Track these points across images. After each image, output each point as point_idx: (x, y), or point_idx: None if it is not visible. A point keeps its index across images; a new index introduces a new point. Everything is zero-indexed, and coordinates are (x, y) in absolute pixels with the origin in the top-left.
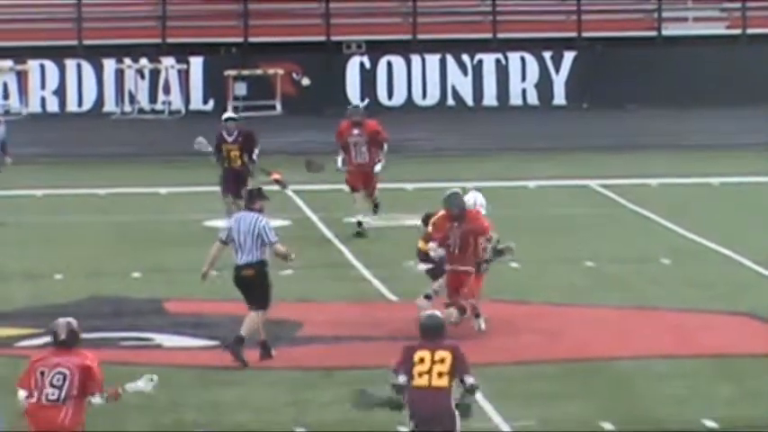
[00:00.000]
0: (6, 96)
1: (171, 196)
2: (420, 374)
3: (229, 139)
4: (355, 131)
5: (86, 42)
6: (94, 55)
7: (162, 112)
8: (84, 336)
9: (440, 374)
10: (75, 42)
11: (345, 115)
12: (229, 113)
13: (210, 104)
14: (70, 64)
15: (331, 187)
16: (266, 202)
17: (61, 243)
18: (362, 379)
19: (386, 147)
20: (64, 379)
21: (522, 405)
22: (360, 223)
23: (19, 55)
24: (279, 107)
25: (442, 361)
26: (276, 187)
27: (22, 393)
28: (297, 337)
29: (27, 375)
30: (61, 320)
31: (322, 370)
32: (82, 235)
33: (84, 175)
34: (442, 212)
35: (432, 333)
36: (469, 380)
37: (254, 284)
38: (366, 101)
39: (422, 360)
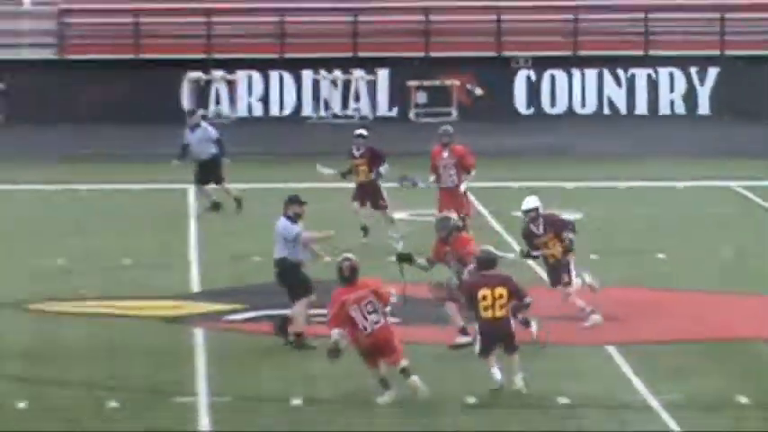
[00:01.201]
0: (218, 102)
1: None
2: (485, 309)
3: (357, 154)
4: (445, 154)
5: (287, 56)
6: (294, 67)
7: (352, 117)
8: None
9: (501, 307)
10: (277, 56)
11: (437, 137)
12: (360, 131)
13: (395, 111)
14: (273, 75)
15: (500, 184)
16: (304, 207)
17: (262, 230)
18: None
19: (473, 172)
20: (373, 305)
21: (667, 380)
22: None
23: (229, 66)
24: (454, 114)
25: (501, 296)
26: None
27: (335, 332)
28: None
29: (336, 318)
30: (345, 262)
31: None
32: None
33: (281, 171)
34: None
35: (487, 265)
36: (527, 300)
37: (282, 280)
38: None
39: (484, 298)
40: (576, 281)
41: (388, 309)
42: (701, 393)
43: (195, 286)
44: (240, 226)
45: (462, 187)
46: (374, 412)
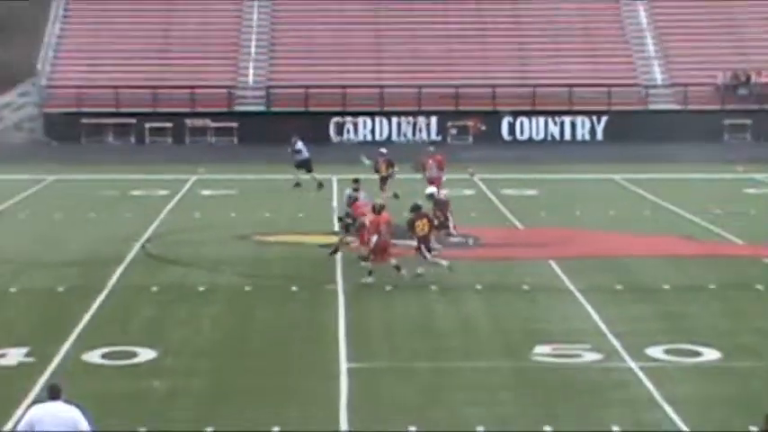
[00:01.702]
0: (348, 132)
1: None
2: (421, 229)
3: (381, 160)
4: (431, 161)
5: (384, 109)
6: (388, 114)
7: (418, 140)
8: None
9: (423, 228)
10: (378, 109)
11: (426, 152)
12: (382, 149)
13: (440, 138)
14: (376, 119)
15: (496, 176)
16: (358, 184)
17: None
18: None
19: (444, 170)
20: (387, 227)
21: (575, 273)
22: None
23: (354, 115)
24: (470, 140)
25: (425, 224)
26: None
27: (374, 238)
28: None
29: (373, 230)
30: (377, 204)
31: None
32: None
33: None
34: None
35: (417, 209)
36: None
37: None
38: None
39: (419, 225)
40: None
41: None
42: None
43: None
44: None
45: (437, 174)
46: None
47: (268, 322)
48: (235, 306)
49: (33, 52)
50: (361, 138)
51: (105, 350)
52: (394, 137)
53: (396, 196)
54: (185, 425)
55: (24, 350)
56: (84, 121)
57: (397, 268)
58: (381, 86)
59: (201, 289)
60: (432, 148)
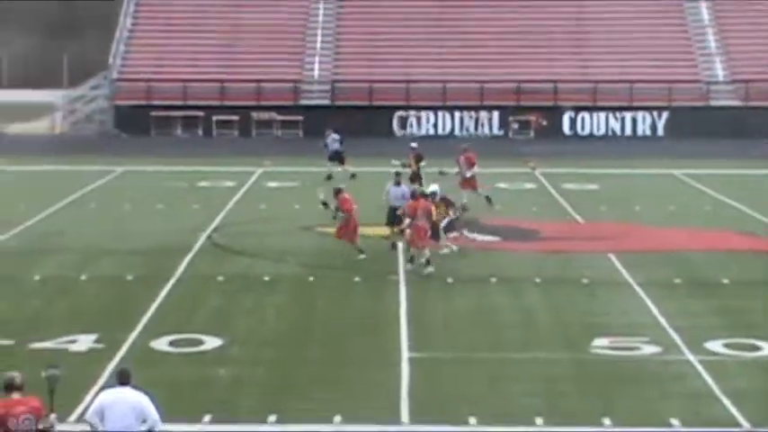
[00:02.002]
0: (411, 126)
1: None
2: (438, 214)
3: (412, 155)
4: (462, 158)
5: (447, 104)
6: (450, 109)
7: (479, 135)
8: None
9: (422, 216)
10: (441, 104)
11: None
12: (413, 144)
13: (502, 132)
14: (439, 113)
15: (555, 170)
16: (399, 177)
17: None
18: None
19: (475, 168)
20: (423, 211)
21: (636, 267)
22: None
23: (417, 109)
24: (532, 135)
25: (425, 214)
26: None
27: (407, 221)
28: None
29: (411, 213)
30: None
31: None
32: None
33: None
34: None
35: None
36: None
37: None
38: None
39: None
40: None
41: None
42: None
43: None
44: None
45: (469, 174)
46: None
47: (331, 312)
48: (298, 296)
49: (105, 46)
50: (423, 132)
51: (172, 338)
52: (456, 131)
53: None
54: (249, 413)
55: (94, 337)
56: (154, 113)
57: (427, 261)
58: (444, 81)
59: (266, 279)
60: (465, 145)
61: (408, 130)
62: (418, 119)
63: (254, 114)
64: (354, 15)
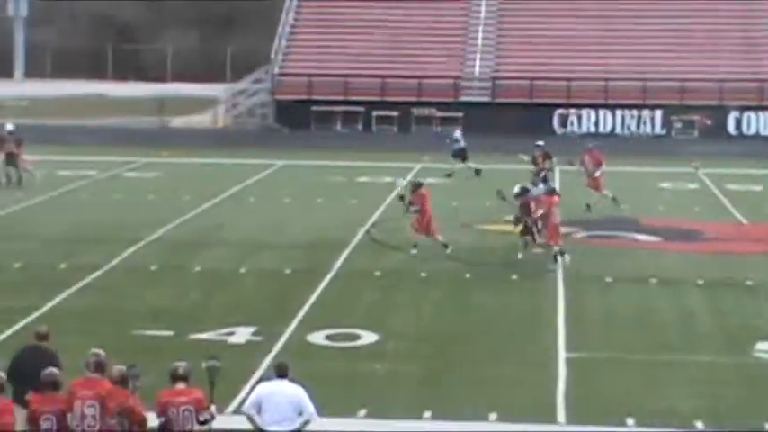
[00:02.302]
0: (572, 125)
1: None
2: (535, 210)
3: (537, 154)
4: (587, 157)
5: (609, 102)
6: (612, 108)
7: (641, 134)
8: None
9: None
10: (603, 102)
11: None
12: (539, 142)
13: (664, 131)
14: (600, 112)
15: (718, 171)
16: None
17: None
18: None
19: (603, 166)
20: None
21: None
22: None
23: (578, 107)
24: (696, 134)
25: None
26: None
27: (540, 212)
28: None
29: (537, 206)
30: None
31: None
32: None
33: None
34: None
35: (521, 194)
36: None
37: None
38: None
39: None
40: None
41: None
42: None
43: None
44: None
45: (597, 173)
46: None
47: (487, 310)
48: (455, 293)
49: (267, 42)
50: (584, 130)
51: (329, 332)
52: (618, 130)
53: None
54: (404, 408)
55: (252, 329)
56: (314, 108)
57: (561, 253)
58: (606, 79)
59: (423, 275)
60: (591, 144)
61: (569, 128)
62: (579, 117)
63: (414, 110)
64: (516, 12)
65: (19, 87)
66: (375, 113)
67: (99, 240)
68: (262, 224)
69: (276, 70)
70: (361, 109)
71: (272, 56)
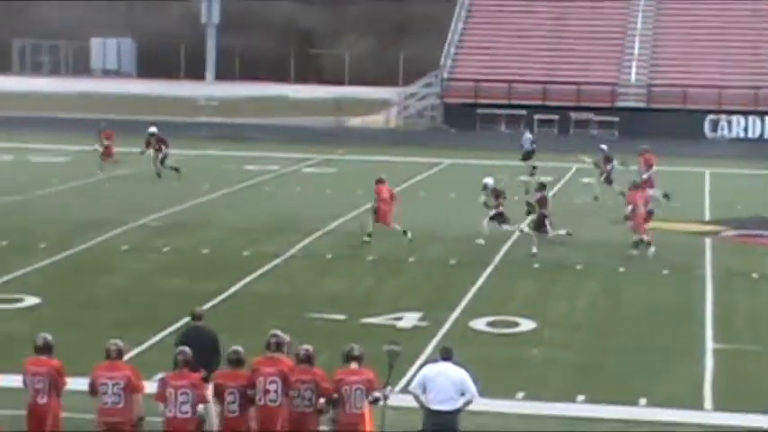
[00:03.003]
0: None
1: None
2: (638, 206)
3: (601, 156)
4: (641, 159)
5: (759, 109)
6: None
7: None
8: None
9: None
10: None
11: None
12: (602, 146)
13: None
14: (750, 118)
15: None
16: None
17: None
18: None
19: (653, 168)
20: None
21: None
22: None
23: (728, 113)
24: None
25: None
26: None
27: (629, 208)
28: None
29: (630, 202)
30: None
31: None
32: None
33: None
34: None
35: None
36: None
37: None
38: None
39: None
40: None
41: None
42: None
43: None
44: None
45: (645, 175)
46: None
47: (639, 302)
48: (609, 285)
49: (437, 48)
50: (734, 135)
51: (490, 319)
52: (766, 135)
53: (622, 194)
54: (559, 392)
55: (418, 315)
56: (480, 111)
57: (648, 243)
58: (757, 87)
59: (579, 268)
60: (645, 146)
61: (719, 132)
62: (729, 123)
63: (573, 114)
64: (671, 23)
65: (210, 88)
66: (536, 117)
67: (279, 230)
68: (429, 218)
69: (445, 75)
70: (523, 112)
71: (442, 62)
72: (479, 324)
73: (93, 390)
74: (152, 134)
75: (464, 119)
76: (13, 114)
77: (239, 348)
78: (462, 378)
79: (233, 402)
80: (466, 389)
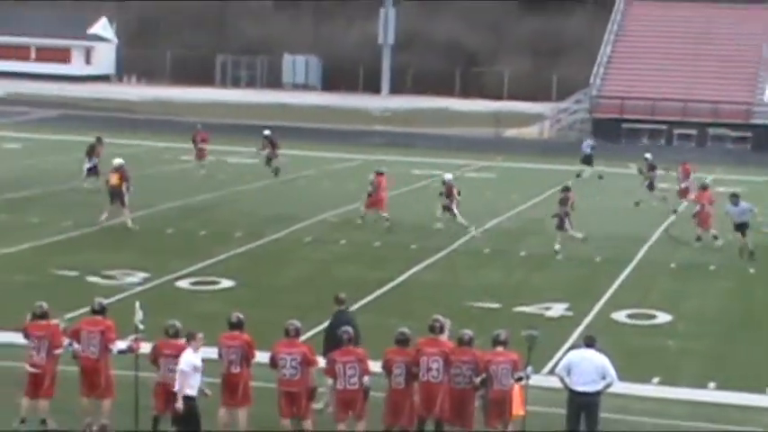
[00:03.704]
0: None
1: None
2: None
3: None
4: (680, 168)
5: None
6: None
7: None
8: None
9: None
10: None
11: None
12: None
13: None
14: None
15: None
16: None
17: None
18: None
19: (691, 176)
20: None
21: None
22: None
23: None
24: None
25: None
26: None
27: (698, 207)
28: None
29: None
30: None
31: None
32: None
33: None
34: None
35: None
36: None
37: None
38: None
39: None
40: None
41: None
42: None
43: None
44: None
45: (683, 185)
46: None
47: (766, 301)
48: (740, 284)
49: (587, 68)
50: None
51: (630, 311)
52: None
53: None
54: (692, 379)
55: (565, 305)
56: (625, 126)
57: (715, 237)
58: None
59: (712, 268)
60: (685, 159)
61: None
62: None
63: (710, 130)
64: None
65: (384, 101)
66: (676, 131)
67: (444, 227)
68: (576, 219)
69: (594, 92)
70: (664, 127)
71: (591, 80)
72: (620, 315)
73: (274, 363)
74: (266, 136)
75: (610, 132)
76: (213, 121)
77: (406, 330)
78: (603, 363)
79: (399, 375)
80: (606, 373)
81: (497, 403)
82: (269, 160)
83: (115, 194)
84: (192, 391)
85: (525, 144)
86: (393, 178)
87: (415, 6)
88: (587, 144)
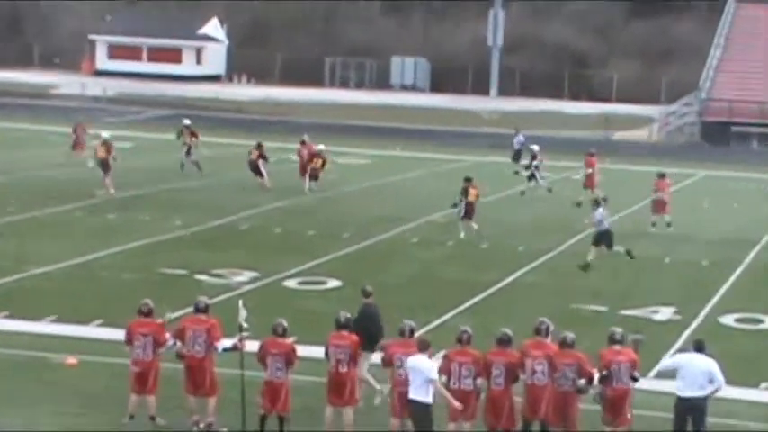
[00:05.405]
0: None
1: None
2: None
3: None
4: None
5: None
6: None
7: None
8: None
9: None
10: None
11: None
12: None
13: None
14: None
15: None
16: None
17: None
18: None
19: None
20: None
21: None
22: None
23: None
24: None
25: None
26: None
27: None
28: None
29: None
30: None
31: None
32: None
33: None
34: None
35: None
36: None
37: None
38: None
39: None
40: None
41: None
42: None
43: None
44: None
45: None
46: None
47: None
48: None
49: (697, 71)
50: None
51: (738, 315)
52: None
53: None
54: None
55: (672, 309)
56: (734, 129)
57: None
58: None
59: None
60: None
61: None
62: None
63: None
64: None
65: (493, 103)
66: None
67: (550, 229)
68: (684, 223)
69: (703, 96)
70: None
71: (701, 84)
72: (728, 320)
73: (389, 363)
74: (186, 126)
75: (719, 135)
76: (322, 121)
77: (508, 330)
78: (711, 368)
79: (498, 376)
80: (714, 378)
81: (615, 401)
82: (189, 150)
83: (104, 165)
84: (428, 398)
85: (634, 147)
86: (500, 180)
87: (523, 8)
88: (519, 141)
